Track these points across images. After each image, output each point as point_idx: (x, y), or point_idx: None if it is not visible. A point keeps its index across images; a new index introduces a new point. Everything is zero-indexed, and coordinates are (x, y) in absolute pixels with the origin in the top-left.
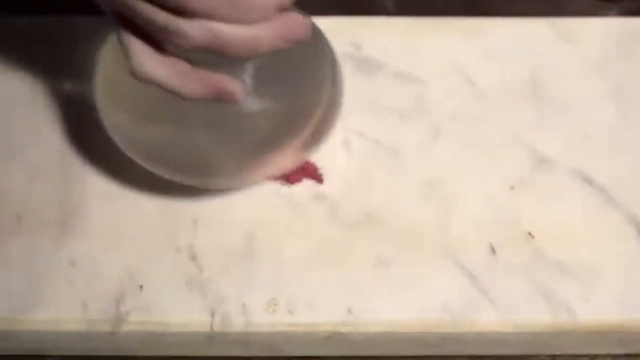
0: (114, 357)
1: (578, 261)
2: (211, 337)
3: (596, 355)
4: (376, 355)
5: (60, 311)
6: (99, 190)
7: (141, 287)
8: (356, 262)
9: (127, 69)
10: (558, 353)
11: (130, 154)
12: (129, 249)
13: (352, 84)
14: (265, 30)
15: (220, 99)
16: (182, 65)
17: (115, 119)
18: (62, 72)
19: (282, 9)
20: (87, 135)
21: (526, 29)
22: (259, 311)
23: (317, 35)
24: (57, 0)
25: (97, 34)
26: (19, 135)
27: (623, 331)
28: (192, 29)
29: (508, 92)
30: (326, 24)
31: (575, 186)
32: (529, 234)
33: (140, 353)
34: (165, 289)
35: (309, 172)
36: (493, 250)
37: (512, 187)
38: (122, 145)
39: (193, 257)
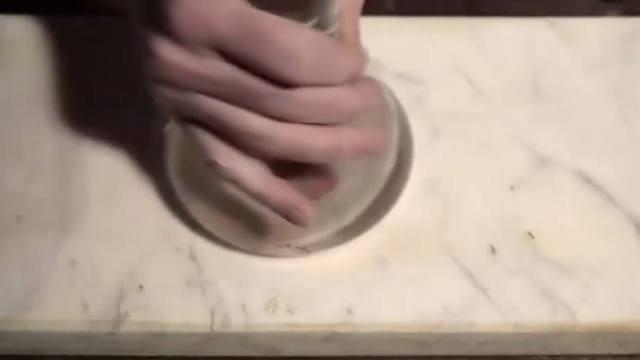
0: (114, 357)
1: (578, 261)
2: (211, 337)
3: (596, 355)
4: (376, 355)
5: (60, 311)
6: (99, 190)
7: (141, 287)
8: (356, 262)
9: (203, 163)
10: (558, 353)
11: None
12: (129, 249)
13: None
14: (349, 140)
15: (290, 215)
16: (264, 168)
17: (196, 205)
18: (63, 72)
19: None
20: (87, 135)
21: (526, 29)
22: (259, 311)
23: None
24: (57, 0)
25: (97, 35)
26: (19, 135)
27: (623, 331)
28: (283, 136)
29: (508, 92)
30: None
31: (575, 186)
32: (529, 234)
33: (140, 353)
34: (165, 289)
35: None
36: (493, 250)
37: (512, 187)
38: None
39: (193, 257)
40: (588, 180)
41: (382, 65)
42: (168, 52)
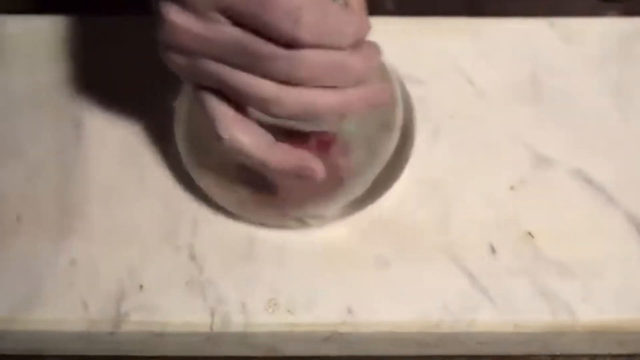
0: (114, 357)
1: (578, 261)
2: (211, 337)
3: (596, 355)
4: (376, 355)
5: (60, 311)
6: (99, 190)
7: (141, 287)
8: (356, 262)
9: (210, 133)
10: (558, 353)
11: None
12: (129, 249)
13: None
14: (355, 95)
15: (302, 175)
16: (268, 136)
17: (202, 173)
18: (63, 72)
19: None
20: (87, 135)
21: (526, 29)
22: (259, 311)
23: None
24: (57, 0)
25: (98, 34)
26: (19, 135)
27: (623, 331)
28: (290, 98)
29: (508, 92)
30: None
31: (575, 186)
32: (529, 234)
33: (140, 353)
34: (165, 289)
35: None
36: (493, 250)
37: (512, 187)
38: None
39: (193, 257)
40: (588, 180)
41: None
42: (177, 17)
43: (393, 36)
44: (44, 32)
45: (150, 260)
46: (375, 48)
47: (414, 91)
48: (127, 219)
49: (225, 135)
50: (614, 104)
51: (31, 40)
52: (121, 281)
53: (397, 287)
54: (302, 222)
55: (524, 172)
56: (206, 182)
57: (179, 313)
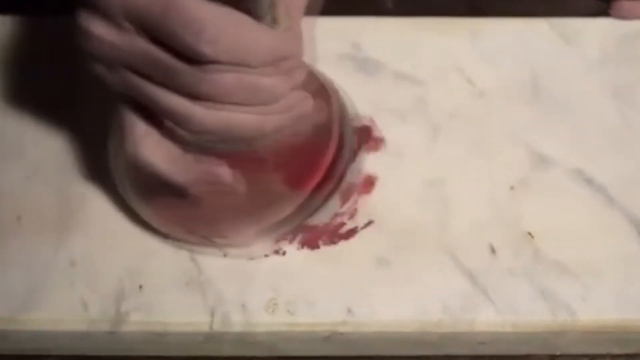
0: (114, 357)
1: (578, 261)
2: (211, 337)
3: (596, 355)
4: (376, 355)
5: (60, 311)
6: (99, 190)
7: (141, 287)
8: (356, 262)
9: (122, 147)
10: (558, 353)
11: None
12: (129, 249)
13: (352, 84)
14: (272, 111)
15: (210, 185)
16: (177, 153)
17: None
18: (63, 72)
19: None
20: (87, 135)
21: (526, 29)
22: (259, 311)
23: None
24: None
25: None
26: (19, 135)
27: (623, 331)
28: (205, 114)
29: (508, 92)
30: (326, 24)
31: (575, 186)
32: (529, 234)
33: (140, 353)
34: (165, 289)
35: None
36: (493, 250)
37: (512, 187)
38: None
39: (193, 257)
40: (588, 180)
41: (382, 65)
42: (94, 27)
43: (392, 36)
44: (45, 32)
45: (150, 260)
46: (298, 65)
47: (413, 91)
48: (127, 219)
49: (130, 149)
50: (614, 104)
51: (32, 39)
52: (121, 281)
53: (397, 287)
54: (209, 241)
55: (524, 172)
56: (126, 194)
57: (179, 313)
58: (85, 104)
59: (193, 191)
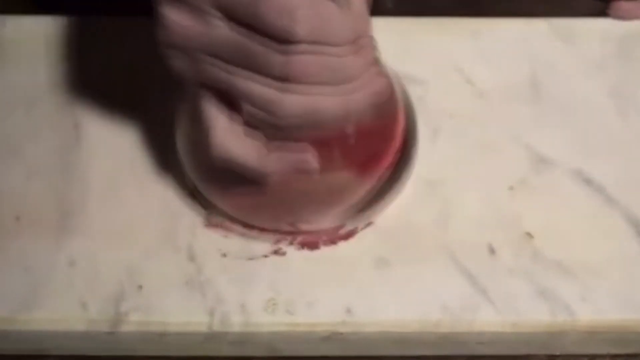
0: (114, 357)
1: (578, 261)
2: (210, 337)
3: (596, 355)
4: (376, 355)
5: (60, 311)
6: (99, 190)
7: (141, 287)
8: (356, 262)
9: (204, 144)
10: (557, 353)
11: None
12: (129, 249)
13: None
14: (353, 90)
15: (298, 173)
16: (260, 145)
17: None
18: (63, 72)
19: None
20: (87, 135)
21: (526, 29)
22: (258, 311)
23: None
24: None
25: (98, 34)
26: (19, 135)
27: (622, 331)
28: (293, 99)
29: (508, 92)
30: None
31: (575, 186)
32: (529, 234)
33: (140, 353)
34: (165, 289)
35: None
36: (493, 250)
37: (511, 187)
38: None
39: (193, 257)
40: (587, 181)
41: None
42: (176, 16)
43: (392, 36)
44: (44, 33)
45: (150, 260)
46: (371, 43)
47: (413, 91)
48: (127, 219)
49: (219, 146)
50: (614, 104)
51: (31, 41)
52: (120, 281)
53: (397, 287)
54: (295, 227)
55: (523, 172)
56: (203, 185)
57: (178, 313)
58: (85, 104)
59: (276, 179)
